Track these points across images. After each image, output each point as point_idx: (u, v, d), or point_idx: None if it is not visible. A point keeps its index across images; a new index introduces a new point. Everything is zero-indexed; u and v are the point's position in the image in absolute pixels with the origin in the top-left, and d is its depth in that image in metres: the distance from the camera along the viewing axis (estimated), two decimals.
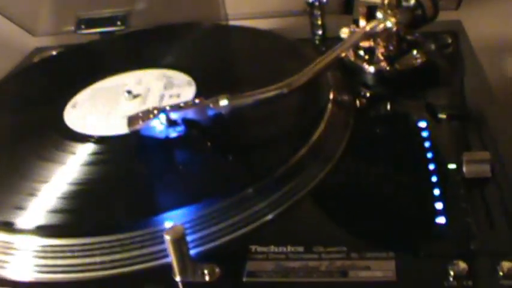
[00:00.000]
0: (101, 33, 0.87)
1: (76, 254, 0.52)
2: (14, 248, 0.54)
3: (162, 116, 0.59)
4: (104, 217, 0.55)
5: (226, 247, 0.53)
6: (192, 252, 0.52)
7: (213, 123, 0.60)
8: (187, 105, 0.59)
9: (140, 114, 0.60)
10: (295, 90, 0.61)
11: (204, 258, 0.52)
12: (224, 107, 0.59)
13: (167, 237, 0.48)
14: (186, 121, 0.60)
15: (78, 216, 0.55)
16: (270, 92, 0.60)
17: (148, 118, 0.59)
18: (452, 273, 0.47)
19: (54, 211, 0.56)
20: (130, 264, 0.52)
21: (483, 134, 0.61)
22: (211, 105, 0.59)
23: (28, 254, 0.53)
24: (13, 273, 0.53)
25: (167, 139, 0.60)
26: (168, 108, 0.59)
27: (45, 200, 0.57)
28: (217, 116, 0.59)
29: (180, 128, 0.60)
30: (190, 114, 0.59)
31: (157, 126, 0.59)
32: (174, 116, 0.59)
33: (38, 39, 0.91)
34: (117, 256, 0.52)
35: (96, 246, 0.52)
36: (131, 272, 0.52)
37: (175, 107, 0.59)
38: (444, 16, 0.74)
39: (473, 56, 0.74)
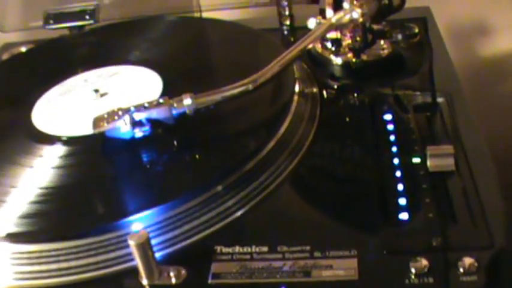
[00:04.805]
0: (69, 27, 0.86)
1: (42, 260, 0.53)
2: None
3: (127, 117, 0.59)
4: (68, 223, 0.55)
5: (193, 248, 0.53)
6: (159, 254, 0.52)
7: (178, 122, 0.59)
8: (151, 105, 0.59)
9: (105, 116, 0.60)
10: (260, 86, 0.61)
11: (171, 260, 0.52)
12: (188, 105, 0.59)
13: (131, 242, 0.48)
14: (151, 121, 0.60)
15: (42, 223, 0.55)
16: (235, 89, 0.60)
17: (113, 119, 0.59)
18: (413, 270, 0.47)
19: (21, 217, 0.56)
20: (97, 268, 0.52)
21: (448, 126, 0.61)
22: (175, 105, 0.59)
23: None
24: None
25: (133, 139, 0.60)
26: (132, 108, 0.59)
27: (12, 206, 0.57)
28: (182, 115, 0.59)
29: (146, 128, 0.60)
30: (154, 114, 0.59)
31: (122, 127, 0.59)
32: (138, 116, 0.59)
33: (7, 34, 0.90)
34: (84, 261, 0.52)
35: (62, 252, 0.52)
36: (98, 277, 0.52)
37: (140, 107, 0.59)
38: (413, 2, 0.74)
39: (441, 44, 0.74)
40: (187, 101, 0.59)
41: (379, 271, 0.48)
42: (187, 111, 0.59)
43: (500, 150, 0.75)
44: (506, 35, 0.96)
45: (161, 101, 0.60)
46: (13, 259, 0.53)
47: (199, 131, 0.62)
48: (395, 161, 0.58)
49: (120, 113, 0.59)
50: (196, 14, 0.87)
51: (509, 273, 0.47)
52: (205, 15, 0.87)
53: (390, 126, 0.62)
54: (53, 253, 0.53)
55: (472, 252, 0.48)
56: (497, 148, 0.68)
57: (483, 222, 0.51)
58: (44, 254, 0.53)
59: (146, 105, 0.59)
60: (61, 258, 0.52)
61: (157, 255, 0.51)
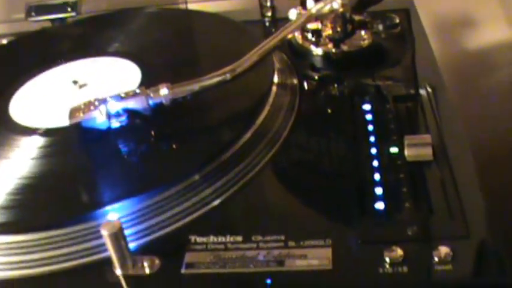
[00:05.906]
0: (51, 20, 0.85)
1: (16, 251, 0.52)
2: None
3: (103, 107, 0.58)
4: (43, 214, 0.54)
5: (168, 238, 0.53)
6: (135, 244, 0.52)
7: (155, 112, 0.59)
8: (128, 95, 0.59)
9: (82, 106, 0.59)
10: (238, 76, 0.61)
11: (147, 250, 0.51)
12: (165, 96, 0.58)
13: (104, 232, 0.48)
14: (128, 111, 0.59)
15: (17, 214, 0.54)
16: (212, 79, 0.60)
17: (89, 110, 0.58)
18: (388, 259, 0.47)
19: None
20: (71, 259, 0.52)
21: (428, 117, 0.61)
22: (151, 95, 0.58)
23: None
24: None
25: (110, 130, 0.59)
26: (108, 99, 0.59)
27: None
28: (159, 105, 0.59)
29: (123, 118, 0.59)
30: (131, 104, 0.59)
31: (98, 117, 0.58)
32: (115, 106, 0.59)
33: None
34: (58, 252, 0.52)
35: (37, 242, 0.52)
36: (72, 267, 0.51)
37: (116, 98, 0.59)
38: None
39: (423, 35, 0.74)
40: (163, 91, 0.58)
41: (353, 260, 0.48)
42: (164, 102, 0.59)
43: (483, 142, 0.75)
44: (489, 27, 0.96)
45: (138, 91, 0.59)
46: None
47: (177, 121, 0.61)
48: (373, 150, 0.57)
49: (96, 103, 0.59)
50: (182, 6, 0.87)
51: (485, 263, 0.47)
52: (190, 6, 0.87)
53: (369, 116, 0.61)
54: (26, 244, 0.52)
55: (448, 242, 0.48)
56: (479, 140, 0.67)
57: (460, 212, 0.50)
58: (16, 245, 0.52)
59: (122, 95, 0.59)
60: (35, 249, 0.52)
61: (133, 244, 0.51)
